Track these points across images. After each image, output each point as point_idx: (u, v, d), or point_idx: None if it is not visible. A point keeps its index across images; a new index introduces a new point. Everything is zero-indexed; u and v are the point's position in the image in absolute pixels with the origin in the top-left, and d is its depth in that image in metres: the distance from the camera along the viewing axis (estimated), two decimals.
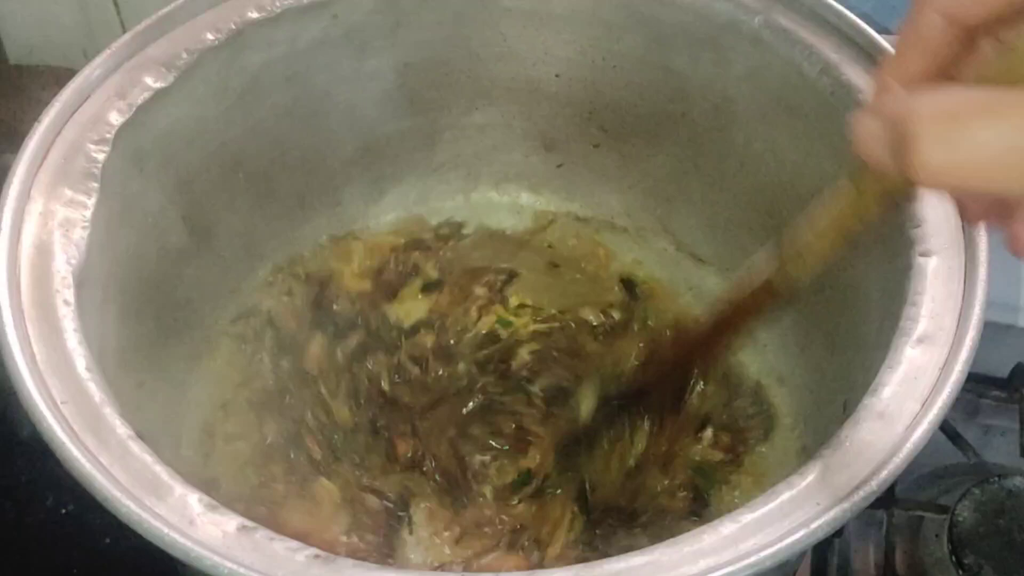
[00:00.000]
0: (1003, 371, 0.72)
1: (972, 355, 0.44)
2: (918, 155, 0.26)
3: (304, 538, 0.38)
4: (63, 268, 0.46)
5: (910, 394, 0.43)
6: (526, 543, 0.58)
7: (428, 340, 0.67)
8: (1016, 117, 0.25)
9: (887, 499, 0.63)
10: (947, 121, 0.25)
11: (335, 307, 0.68)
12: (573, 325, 0.68)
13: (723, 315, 0.49)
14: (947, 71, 0.31)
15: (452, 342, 0.67)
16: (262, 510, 0.59)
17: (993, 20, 0.30)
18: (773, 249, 0.43)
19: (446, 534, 0.58)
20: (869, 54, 0.55)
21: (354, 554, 0.56)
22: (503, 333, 0.67)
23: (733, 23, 0.59)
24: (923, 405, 0.42)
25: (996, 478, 0.61)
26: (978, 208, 0.33)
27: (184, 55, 0.55)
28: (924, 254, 0.47)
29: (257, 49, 0.59)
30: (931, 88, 0.27)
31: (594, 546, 0.58)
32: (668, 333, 0.63)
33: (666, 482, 0.60)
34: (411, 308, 0.69)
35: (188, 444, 0.62)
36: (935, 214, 0.48)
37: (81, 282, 0.47)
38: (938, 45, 0.31)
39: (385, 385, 0.65)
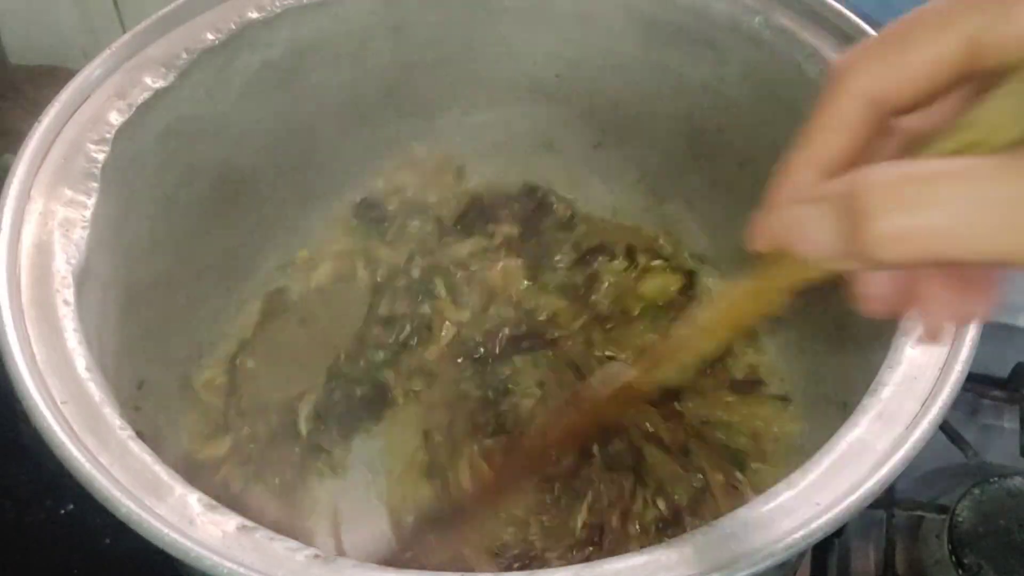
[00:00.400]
0: (1003, 371, 0.72)
1: (972, 355, 0.44)
2: (876, 222, 0.24)
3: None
4: (63, 268, 0.46)
5: (910, 394, 0.43)
6: None
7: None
8: (969, 178, 0.24)
9: (887, 499, 0.63)
10: (902, 186, 0.24)
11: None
12: None
13: (588, 411, 0.46)
14: (859, 158, 0.30)
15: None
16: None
17: (915, 102, 0.28)
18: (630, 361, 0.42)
19: None
20: None
21: None
22: None
23: (733, 23, 0.59)
24: (923, 405, 0.42)
25: (996, 478, 0.61)
26: (888, 294, 0.31)
27: (184, 55, 0.55)
28: None
29: (257, 49, 0.59)
30: (870, 167, 0.26)
31: None
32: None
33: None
34: None
35: (189, 443, 0.62)
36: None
37: (81, 282, 0.47)
38: (855, 128, 0.29)
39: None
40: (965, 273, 0.29)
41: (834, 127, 0.30)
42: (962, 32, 0.26)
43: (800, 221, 0.27)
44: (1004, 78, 0.26)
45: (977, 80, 0.27)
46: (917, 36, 0.27)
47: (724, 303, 0.36)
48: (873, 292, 0.30)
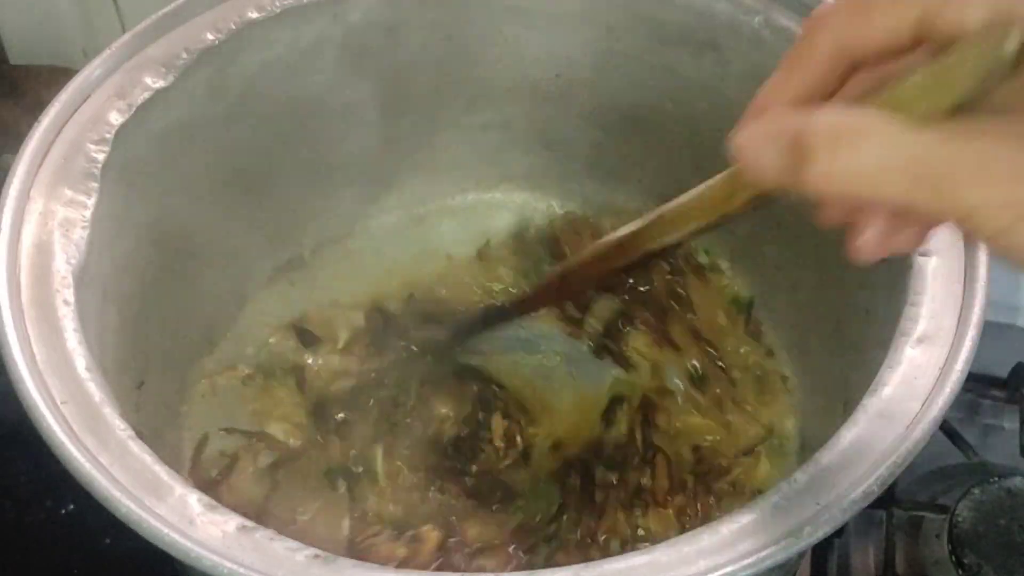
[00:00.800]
0: (1003, 371, 0.72)
1: (972, 355, 0.44)
2: (812, 165, 0.29)
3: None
4: (63, 268, 0.46)
5: (910, 394, 0.43)
6: None
7: None
8: (888, 136, 0.28)
9: (887, 499, 0.63)
10: (840, 133, 0.29)
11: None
12: None
13: (586, 261, 0.51)
14: (823, 96, 0.34)
15: None
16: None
17: (876, 56, 0.32)
18: (642, 218, 0.46)
19: None
20: None
21: None
22: None
23: (733, 23, 0.59)
24: (923, 405, 0.42)
25: (996, 478, 0.61)
26: (835, 212, 0.35)
27: (184, 55, 0.55)
28: (924, 254, 0.47)
29: (257, 49, 0.59)
30: (814, 107, 0.30)
31: None
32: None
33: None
34: None
35: (188, 444, 0.62)
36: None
37: (81, 282, 0.47)
38: (822, 70, 0.34)
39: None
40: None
41: (803, 66, 0.34)
42: (914, 7, 0.31)
43: (755, 143, 0.31)
44: (936, 55, 0.30)
45: (935, 43, 0.31)
46: (878, 3, 0.32)
47: (696, 194, 0.42)
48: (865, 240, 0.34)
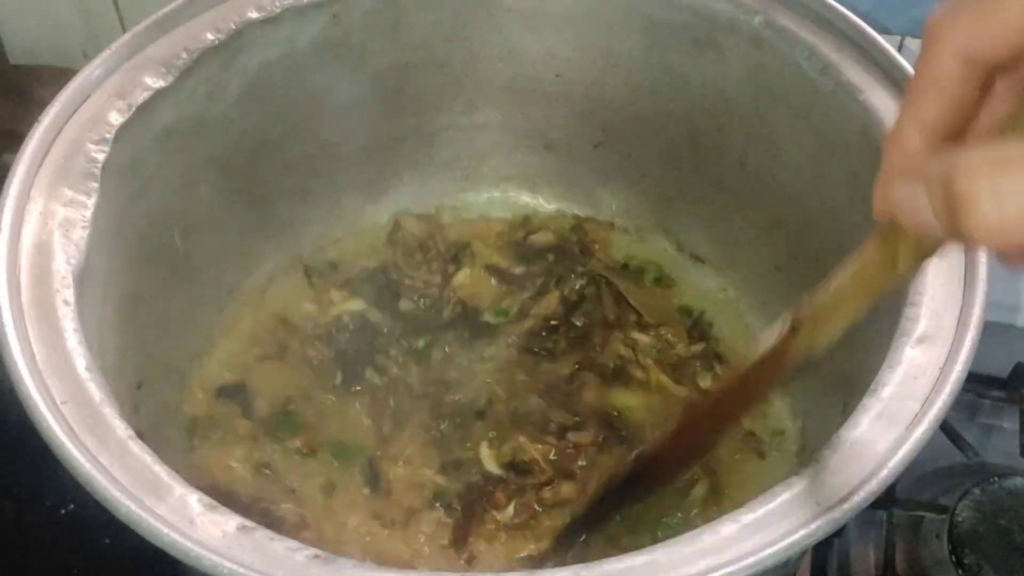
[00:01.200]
0: (1003, 371, 0.72)
1: (972, 355, 0.44)
2: (973, 214, 0.25)
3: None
4: (63, 268, 0.46)
5: (910, 394, 0.43)
6: None
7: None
8: None
9: (887, 499, 0.63)
10: (998, 174, 0.25)
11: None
12: None
13: (735, 386, 0.45)
14: (967, 116, 0.30)
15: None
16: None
17: (1010, 58, 0.28)
18: (785, 318, 0.40)
19: None
20: (869, 54, 0.55)
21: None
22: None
23: (733, 23, 0.59)
24: (923, 405, 0.42)
25: (996, 478, 0.61)
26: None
27: (184, 55, 0.55)
28: None
29: (257, 49, 0.59)
30: (968, 147, 0.26)
31: None
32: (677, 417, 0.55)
33: None
34: None
35: (189, 444, 0.62)
36: None
37: (81, 282, 0.47)
38: (955, 89, 0.29)
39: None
40: None
41: (933, 89, 0.29)
42: None
43: (906, 196, 0.27)
44: None
45: None
46: None
47: (851, 270, 0.35)
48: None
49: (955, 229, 0.25)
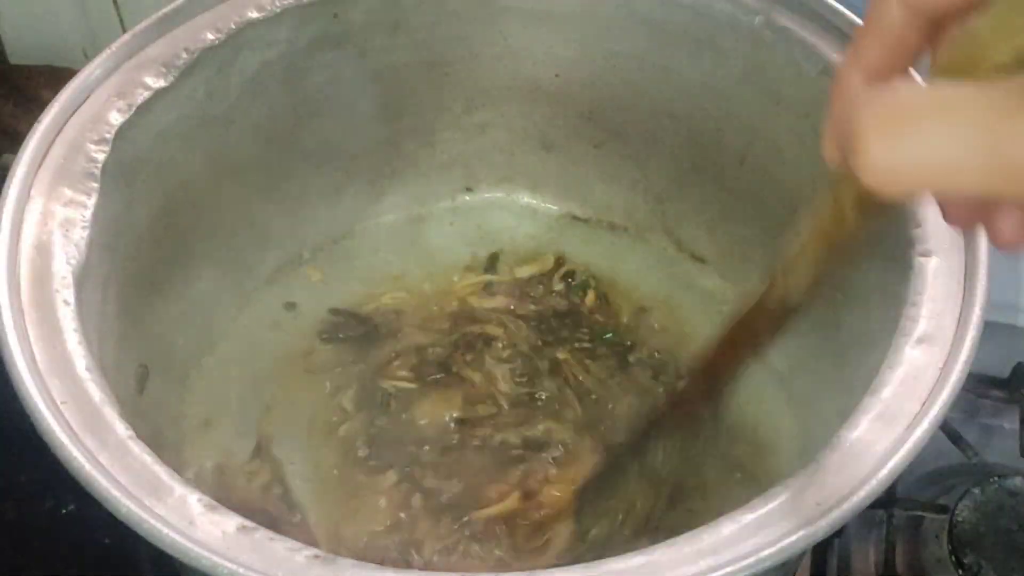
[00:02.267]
0: (1003, 371, 0.72)
1: (972, 355, 0.44)
2: (863, 156, 0.24)
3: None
4: (63, 268, 0.46)
5: (910, 394, 0.43)
6: None
7: None
8: (962, 115, 0.23)
9: (887, 499, 0.63)
10: (891, 121, 0.24)
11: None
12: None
13: (726, 340, 0.47)
14: (907, 64, 0.30)
15: None
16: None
17: (957, 9, 0.28)
18: (767, 269, 0.41)
19: None
20: None
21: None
22: None
23: (733, 23, 0.59)
24: (923, 405, 0.42)
25: (996, 478, 0.61)
26: (958, 210, 0.31)
27: (184, 55, 0.55)
28: (924, 254, 0.47)
29: (257, 49, 0.59)
30: (882, 85, 0.26)
31: None
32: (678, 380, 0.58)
33: None
34: None
35: (189, 444, 0.62)
36: (935, 214, 0.48)
37: (81, 282, 0.47)
38: (900, 37, 0.29)
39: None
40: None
41: (876, 31, 0.30)
42: None
43: (827, 132, 0.28)
44: None
45: None
46: None
47: (813, 221, 0.35)
48: (1005, 228, 0.29)
49: (855, 169, 0.24)
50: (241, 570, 0.37)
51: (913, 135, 0.23)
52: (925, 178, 0.24)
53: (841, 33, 0.56)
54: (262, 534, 0.38)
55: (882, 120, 0.24)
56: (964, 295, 0.46)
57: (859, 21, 0.55)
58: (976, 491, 0.60)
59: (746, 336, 0.45)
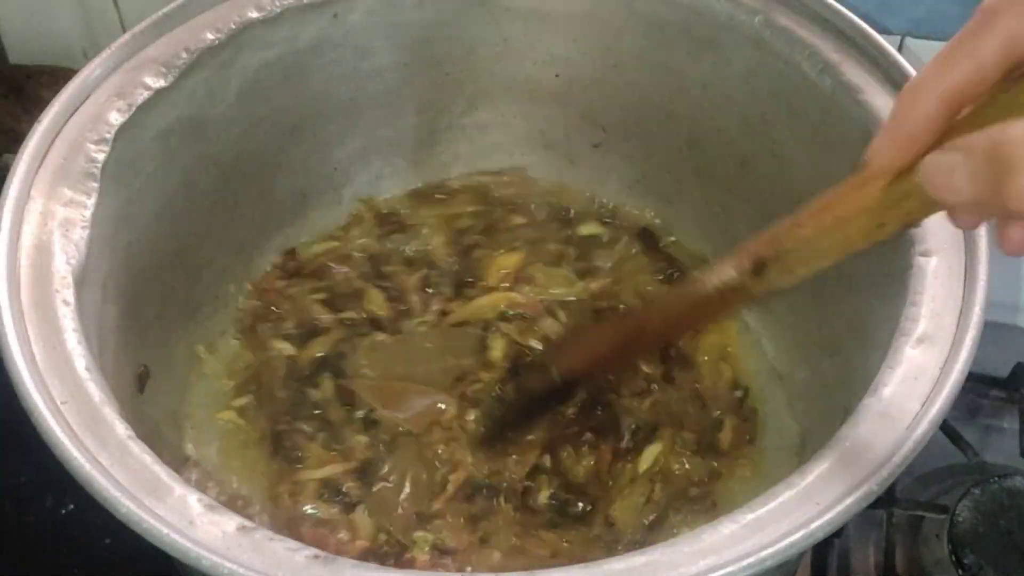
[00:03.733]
0: (1003, 371, 0.72)
1: (972, 355, 0.44)
2: (1017, 182, 0.27)
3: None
4: (63, 268, 0.46)
5: (910, 394, 0.43)
6: None
7: None
8: None
9: (887, 499, 0.63)
10: None
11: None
12: None
13: (684, 308, 0.47)
14: (974, 99, 0.32)
15: None
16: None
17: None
18: (746, 251, 0.41)
19: None
20: (869, 54, 0.55)
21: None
22: None
23: (733, 23, 0.59)
24: (923, 405, 0.42)
25: (996, 478, 0.61)
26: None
27: (184, 55, 0.55)
28: (924, 254, 0.47)
29: (257, 49, 0.59)
30: (1012, 123, 0.28)
31: None
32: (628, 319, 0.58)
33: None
34: None
35: (189, 444, 0.62)
36: (935, 215, 0.48)
37: (81, 282, 0.47)
38: (987, 69, 0.31)
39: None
40: None
41: (969, 56, 0.31)
42: None
43: (944, 167, 0.29)
44: None
45: None
46: None
47: (828, 224, 0.36)
48: (1016, 236, 0.32)
49: (998, 194, 0.27)
50: (241, 570, 0.37)
51: None
52: None
53: (841, 33, 0.56)
54: (262, 534, 0.38)
55: None
56: (964, 295, 0.46)
57: (859, 21, 0.55)
58: (976, 491, 0.60)
59: (705, 311, 0.45)
